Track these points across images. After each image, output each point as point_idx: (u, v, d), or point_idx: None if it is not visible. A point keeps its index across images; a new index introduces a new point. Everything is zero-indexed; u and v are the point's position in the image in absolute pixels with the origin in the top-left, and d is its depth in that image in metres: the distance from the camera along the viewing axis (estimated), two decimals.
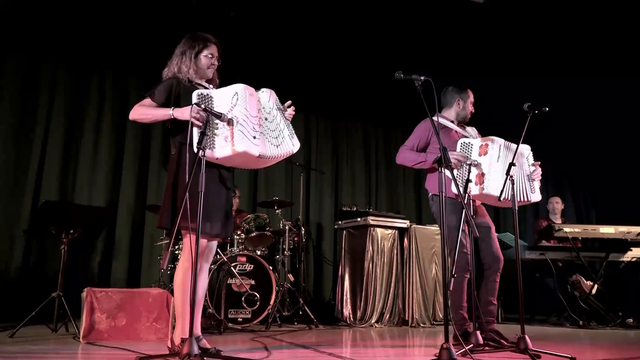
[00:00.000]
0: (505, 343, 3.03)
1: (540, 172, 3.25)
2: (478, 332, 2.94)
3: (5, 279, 4.98)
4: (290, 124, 2.76)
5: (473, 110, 3.52)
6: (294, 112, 2.81)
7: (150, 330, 3.47)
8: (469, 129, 3.49)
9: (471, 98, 3.52)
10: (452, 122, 3.47)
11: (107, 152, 5.62)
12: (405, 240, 5.11)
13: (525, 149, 3.21)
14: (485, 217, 3.39)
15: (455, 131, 3.42)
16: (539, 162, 3.25)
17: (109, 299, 3.44)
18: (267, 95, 2.71)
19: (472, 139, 3.21)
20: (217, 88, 2.82)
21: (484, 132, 3.50)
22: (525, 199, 3.13)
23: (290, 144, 2.69)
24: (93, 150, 5.56)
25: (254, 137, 2.54)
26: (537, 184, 3.21)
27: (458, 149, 3.16)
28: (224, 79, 2.96)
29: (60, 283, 3.72)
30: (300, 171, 5.69)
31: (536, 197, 3.19)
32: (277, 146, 2.64)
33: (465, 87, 3.53)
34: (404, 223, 5.15)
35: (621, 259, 5.33)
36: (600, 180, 8.53)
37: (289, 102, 2.80)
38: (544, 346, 2.85)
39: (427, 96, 2.60)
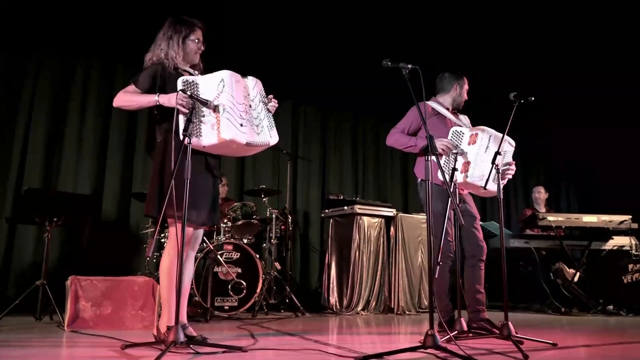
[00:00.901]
0: (497, 331, 3.07)
1: (513, 172, 3.24)
2: (463, 319, 2.97)
3: None
4: (272, 117, 2.71)
5: (467, 98, 3.53)
6: (276, 105, 2.76)
7: (136, 318, 3.46)
8: (462, 117, 3.50)
9: (466, 85, 3.53)
10: (447, 109, 3.47)
11: (92, 140, 5.54)
12: (392, 228, 5.14)
13: (511, 144, 3.21)
14: (472, 206, 3.41)
15: (449, 119, 3.41)
16: (514, 162, 3.25)
17: (94, 287, 3.42)
18: (252, 83, 2.68)
19: (464, 128, 3.21)
20: (201, 74, 2.78)
21: (475, 122, 3.51)
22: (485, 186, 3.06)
23: (268, 136, 2.64)
24: (77, 137, 5.47)
25: (241, 125, 2.51)
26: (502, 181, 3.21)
27: (449, 137, 3.16)
28: (211, 67, 2.93)
29: (44, 271, 3.68)
30: (287, 159, 5.68)
31: (492, 187, 3.09)
32: (257, 134, 2.61)
33: (461, 73, 3.53)
34: (390, 212, 5.18)
35: (603, 247, 5.42)
36: (585, 170, 8.65)
37: (271, 95, 2.75)
38: (527, 332, 2.90)
39: (416, 84, 2.59)
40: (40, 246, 4.26)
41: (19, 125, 5.21)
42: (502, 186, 3.13)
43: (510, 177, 3.24)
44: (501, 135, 3.05)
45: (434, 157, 2.52)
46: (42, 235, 3.91)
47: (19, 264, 4.99)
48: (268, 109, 2.71)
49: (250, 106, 2.61)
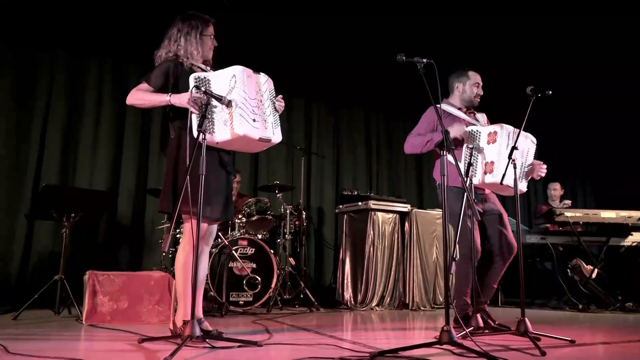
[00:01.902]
0: (492, 324, 3.07)
1: (544, 172, 3.19)
2: (479, 315, 2.95)
3: (8, 262, 5.00)
4: (278, 117, 2.68)
5: (480, 92, 3.41)
6: (283, 105, 2.74)
7: (152, 312, 3.49)
8: (478, 115, 3.42)
9: (473, 79, 3.40)
10: (460, 109, 3.39)
11: (107, 136, 5.60)
12: (406, 224, 5.12)
13: (532, 141, 3.14)
14: (496, 204, 3.36)
15: (462, 119, 3.33)
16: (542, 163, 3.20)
17: (111, 282, 3.46)
18: (264, 79, 2.66)
19: (479, 127, 3.15)
20: (212, 70, 2.79)
21: (492, 119, 3.45)
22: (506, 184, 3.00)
23: (271, 132, 2.60)
24: (93, 134, 5.53)
25: (254, 120, 2.51)
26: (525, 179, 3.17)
27: (467, 136, 3.11)
28: (223, 65, 2.93)
29: (62, 266, 3.73)
30: (301, 155, 5.67)
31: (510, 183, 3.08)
32: (266, 129, 2.59)
33: (467, 69, 3.44)
34: (405, 207, 5.16)
35: (622, 244, 5.33)
36: (600, 166, 8.51)
37: (280, 95, 2.73)
38: (543, 329, 2.86)
39: (431, 80, 2.55)
40: (58, 241, 4.32)
41: (36, 123, 5.28)
42: (524, 183, 3.10)
43: (543, 175, 3.19)
44: (519, 130, 3.01)
45: (450, 158, 2.49)
46: (59, 231, 3.96)
47: (38, 259, 5.07)
48: (275, 108, 2.68)
49: (261, 101, 2.61)
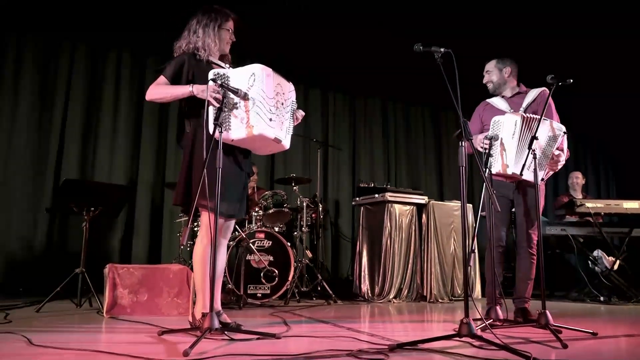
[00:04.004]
0: (522, 321, 3.03)
1: (562, 163, 3.14)
2: (498, 308, 2.92)
3: (31, 255, 5.11)
4: (292, 126, 2.72)
5: (487, 79, 3.44)
6: (301, 119, 2.80)
7: (172, 305, 3.52)
8: (531, 92, 3.34)
9: (486, 68, 3.47)
10: (511, 97, 3.39)
11: (126, 131, 5.66)
12: (424, 216, 5.08)
13: (559, 129, 3.07)
14: (528, 194, 3.29)
15: (498, 108, 3.35)
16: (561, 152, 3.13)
17: (130, 275, 3.50)
18: (290, 88, 2.70)
19: (504, 117, 3.09)
20: (230, 66, 2.80)
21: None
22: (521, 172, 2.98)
23: (284, 136, 2.64)
24: (112, 129, 5.60)
25: (270, 120, 2.51)
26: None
27: (491, 127, 3.09)
28: (240, 58, 2.94)
29: (83, 259, 3.79)
30: (317, 147, 5.66)
31: (529, 177, 3.00)
32: (281, 131, 2.61)
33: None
34: (422, 199, 5.12)
35: None
36: (622, 154, 8.34)
37: (301, 110, 2.80)
38: (564, 322, 2.82)
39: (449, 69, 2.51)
40: (79, 235, 4.38)
41: (56, 117, 5.35)
42: (545, 175, 3.04)
43: (562, 165, 3.15)
44: (539, 119, 2.95)
45: (469, 148, 2.46)
46: (80, 225, 4.02)
47: (59, 252, 5.17)
48: (293, 117, 2.72)
49: (282, 104, 2.61)
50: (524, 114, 3.04)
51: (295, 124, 2.76)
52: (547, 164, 3.09)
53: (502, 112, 3.24)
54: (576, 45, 6.10)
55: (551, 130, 3.04)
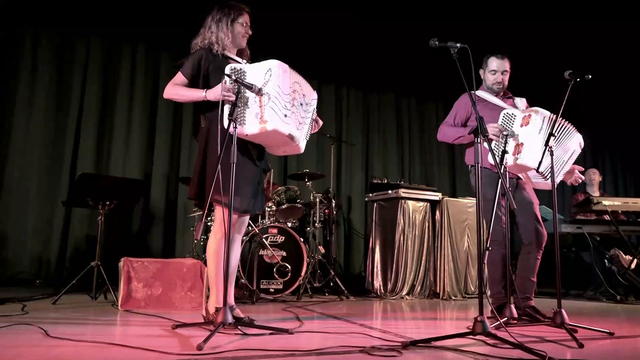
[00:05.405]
0: (542, 318, 2.97)
1: (578, 179, 3.19)
2: (512, 306, 2.90)
3: (47, 248, 5.18)
4: (310, 133, 2.79)
5: (499, 79, 3.30)
6: (318, 128, 2.88)
7: (185, 299, 3.55)
8: (517, 100, 3.35)
9: (490, 66, 3.32)
10: (496, 95, 3.34)
11: (140, 125, 5.70)
12: (437, 212, 5.05)
13: (577, 139, 3.05)
14: (529, 192, 3.28)
15: (495, 104, 3.28)
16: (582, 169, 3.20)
17: (145, 269, 3.53)
18: (314, 96, 2.76)
19: (516, 110, 3.08)
20: (248, 61, 2.81)
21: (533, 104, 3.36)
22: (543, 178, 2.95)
23: (301, 139, 2.69)
24: (127, 123, 5.65)
25: (285, 116, 2.51)
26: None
27: (500, 121, 3.05)
28: (256, 52, 2.94)
29: (99, 253, 3.83)
30: (330, 143, 5.65)
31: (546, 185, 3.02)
32: (297, 130, 2.62)
33: (489, 55, 3.35)
34: (435, 195, 5.08)
35: None
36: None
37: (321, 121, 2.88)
38: (580, 321, 2.79)
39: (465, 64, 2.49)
40: (94, 228, 4.43)
41: (72, 112, 5.41)
42: (558, 177, 3.01)
43: (575, 183, 3.23)
44: (555, 116, 2.90)
45: (486, 144, 2.44)
46: (95, 218, 4.06)
47: (75, 246, 5.24)
48: (312, 122, 2.77)
49: (301, 104, 2.63)
50: (540, 109, 3.00)
51: (314, 131, 2.81)
52: (566, 175, 3.09)
53: (499, 108, 3.19)
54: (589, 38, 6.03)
55: (577, 143, 3.04)
